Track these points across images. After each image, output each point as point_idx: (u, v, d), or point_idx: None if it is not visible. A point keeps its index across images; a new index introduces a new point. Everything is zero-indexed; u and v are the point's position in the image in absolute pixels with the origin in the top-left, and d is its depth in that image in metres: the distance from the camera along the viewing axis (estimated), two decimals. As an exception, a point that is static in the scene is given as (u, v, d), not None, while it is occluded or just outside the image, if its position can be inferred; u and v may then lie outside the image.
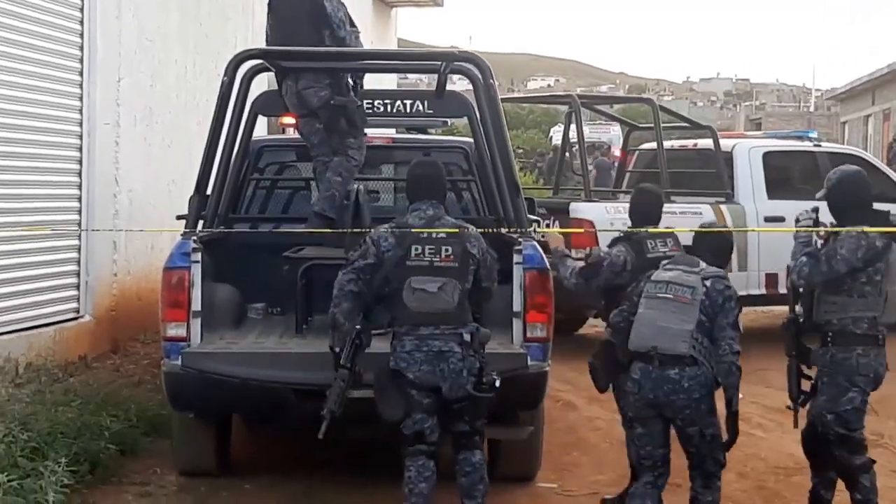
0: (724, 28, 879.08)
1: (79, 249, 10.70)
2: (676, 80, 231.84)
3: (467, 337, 6.18)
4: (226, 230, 7.93)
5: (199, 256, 6.90)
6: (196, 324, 6.85)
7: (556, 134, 31.73)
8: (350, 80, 8.12)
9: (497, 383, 6.17)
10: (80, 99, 10.67)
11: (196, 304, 6.85)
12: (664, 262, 6.57)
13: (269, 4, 8.21)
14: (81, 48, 10.67)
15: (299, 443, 8.30)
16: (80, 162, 10.69)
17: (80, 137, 10.67)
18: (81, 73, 10.67)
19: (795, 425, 6.47)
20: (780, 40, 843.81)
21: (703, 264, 6.32)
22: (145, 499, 7.18)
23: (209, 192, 7.79)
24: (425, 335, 6.15)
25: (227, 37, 14.32)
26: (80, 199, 10.68)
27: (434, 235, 6.30)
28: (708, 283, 6.19)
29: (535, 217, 8.41)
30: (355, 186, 7.96)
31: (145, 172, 11.89)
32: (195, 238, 7.11)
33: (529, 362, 6.77)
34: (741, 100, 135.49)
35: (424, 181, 6.60)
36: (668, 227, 7.26)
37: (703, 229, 6.77)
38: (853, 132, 37.29)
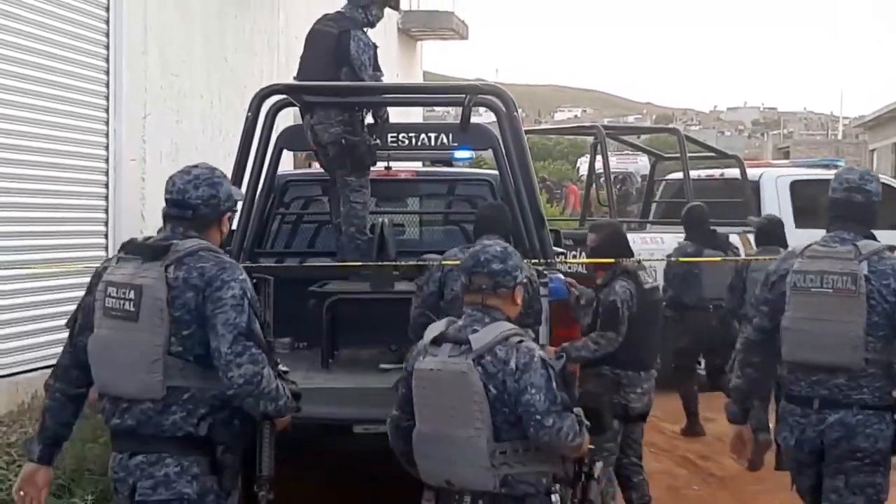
0: (751, 57, 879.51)
1: (106, 285, 10.68)
2: (704, 109, 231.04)
3: None
4: (250, 265, 7.91)
5: (222, 293, 6.86)
6: (220, 360, 6.80)
7: (584, 165, 31.72)
8: (371, 116, 8.13)
9: None
10: (106, 136, 10.71)
11: (220, 341, 6.80)
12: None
13: (306, 38, 8.23)
14: (107, 85, 10.73)
15: (325, 478, 8.28)
16: (107, 199, 10.72)
17: (107, 174, 10.71)
18: (107, 110, 10.72)
19: None
20: (808, 68, 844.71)
21: None
22: (171, 536, 7.12)
23: (234, 227, 7.77)
24: None
25: (254, 71, 14.35)
26: (106, 236, 10.69)
27: None
28: None
29: (560, 249, 8.38)
30: (380, 220, 7.94)
31: (172, 208, 11.86)
32: (218, 274, 7.08)
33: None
34: (769, 128, 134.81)
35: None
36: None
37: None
38: (882, 160, 37.05)
